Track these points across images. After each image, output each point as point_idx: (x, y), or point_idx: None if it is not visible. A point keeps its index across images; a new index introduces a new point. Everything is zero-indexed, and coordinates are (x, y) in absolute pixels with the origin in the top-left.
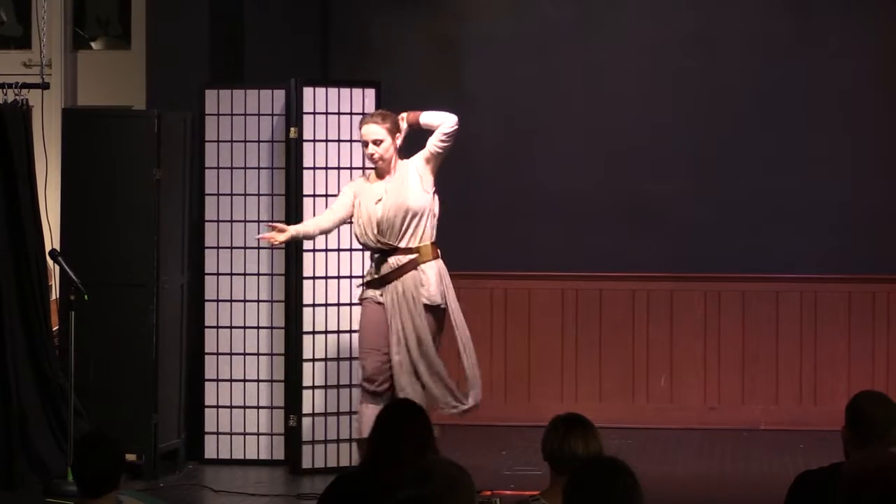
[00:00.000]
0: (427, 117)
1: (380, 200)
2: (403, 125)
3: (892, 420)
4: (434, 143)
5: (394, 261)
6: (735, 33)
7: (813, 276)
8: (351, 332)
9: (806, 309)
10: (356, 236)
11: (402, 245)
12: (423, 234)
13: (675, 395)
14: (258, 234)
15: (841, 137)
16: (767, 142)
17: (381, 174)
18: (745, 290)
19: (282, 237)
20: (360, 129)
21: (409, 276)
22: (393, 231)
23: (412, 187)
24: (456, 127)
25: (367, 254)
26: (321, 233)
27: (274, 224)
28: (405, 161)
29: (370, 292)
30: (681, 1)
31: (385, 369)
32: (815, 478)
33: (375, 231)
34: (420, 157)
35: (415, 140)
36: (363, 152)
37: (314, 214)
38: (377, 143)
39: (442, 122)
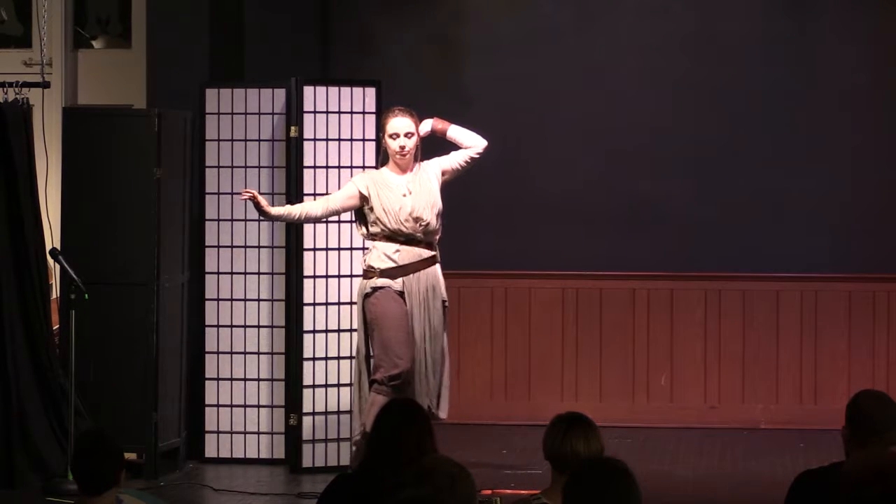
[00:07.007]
0: (456, 132)
1: (406, 195)
2: (425, 128)
3: (892, 419)
4: (459, 161)
5: (419, 251)
6: (735, 33)
7: (813, 275)
8: (351, 331)
9: (806, 309)
10: (382, 225)
11: (429, 239)
12: (439, 235)
13: (675, 394)
14: (257, 233)
15: (841, 137)
16: (767, 141)
17: (402, 169)
18: (745, 290)
19: (262, 200)
20: (388, 121)
21: (430, 270)
22: (427, 224)
23: (436, 188)
24: (482, 153)
25: (366, 251)
26: (307, 220)
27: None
28: (420, 162)
29: (386, 281)
30: (681, 1)
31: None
32: (815, 477)
33: (412, 220)
34: (437, 165)
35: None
36: (387, 145)
37: None
38: (409, 136)
39: (473, 145)
